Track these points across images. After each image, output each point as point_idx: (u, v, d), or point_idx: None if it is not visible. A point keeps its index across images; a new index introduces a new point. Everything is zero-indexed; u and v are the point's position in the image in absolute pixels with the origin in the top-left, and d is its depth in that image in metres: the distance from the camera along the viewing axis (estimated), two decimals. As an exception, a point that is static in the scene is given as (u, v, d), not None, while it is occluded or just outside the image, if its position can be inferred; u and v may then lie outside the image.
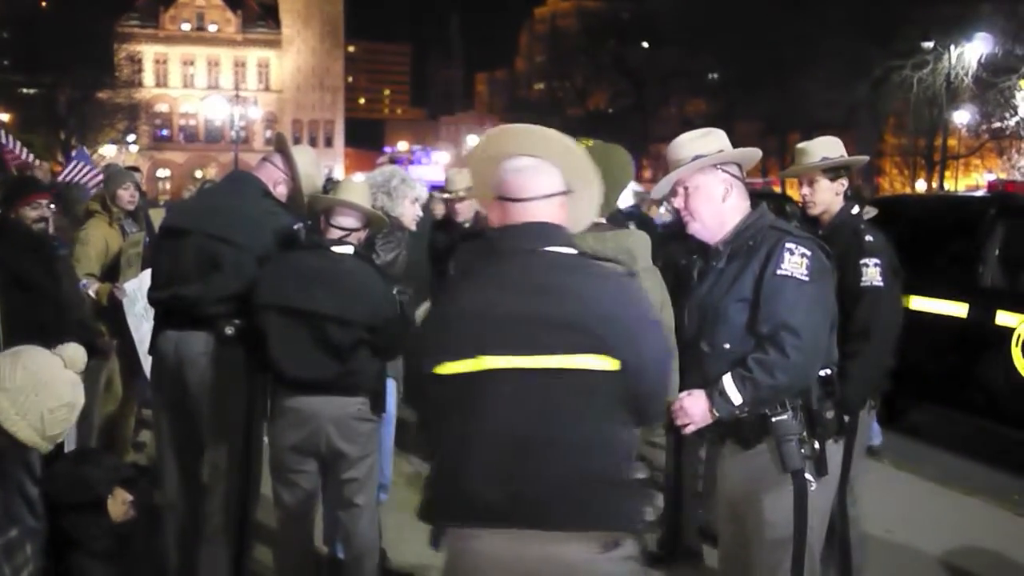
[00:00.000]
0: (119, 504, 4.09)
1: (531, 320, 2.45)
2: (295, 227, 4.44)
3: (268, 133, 71.95)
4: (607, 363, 2.45)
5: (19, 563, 2.68)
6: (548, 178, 2.64)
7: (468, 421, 2.47)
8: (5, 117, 43.61)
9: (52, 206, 5.58)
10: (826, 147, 4.58)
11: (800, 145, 4.70)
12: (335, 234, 4.19)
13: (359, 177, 5.11)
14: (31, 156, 9.25)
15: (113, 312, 6.23)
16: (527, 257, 2.55)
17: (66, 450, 5.01)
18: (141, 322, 6.09)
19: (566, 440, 2.45)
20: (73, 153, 9.73)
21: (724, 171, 3.35)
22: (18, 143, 9.13)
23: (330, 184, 6.68)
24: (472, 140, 77.60)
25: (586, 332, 2.45)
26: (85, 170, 9.39)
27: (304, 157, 4.65)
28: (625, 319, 2.53)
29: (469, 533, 2.50)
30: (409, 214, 5.12)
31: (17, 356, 2.87)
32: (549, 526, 2.43)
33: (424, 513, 2.61)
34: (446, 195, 7.78)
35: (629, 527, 2.53)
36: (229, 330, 4.27)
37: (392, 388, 4.75)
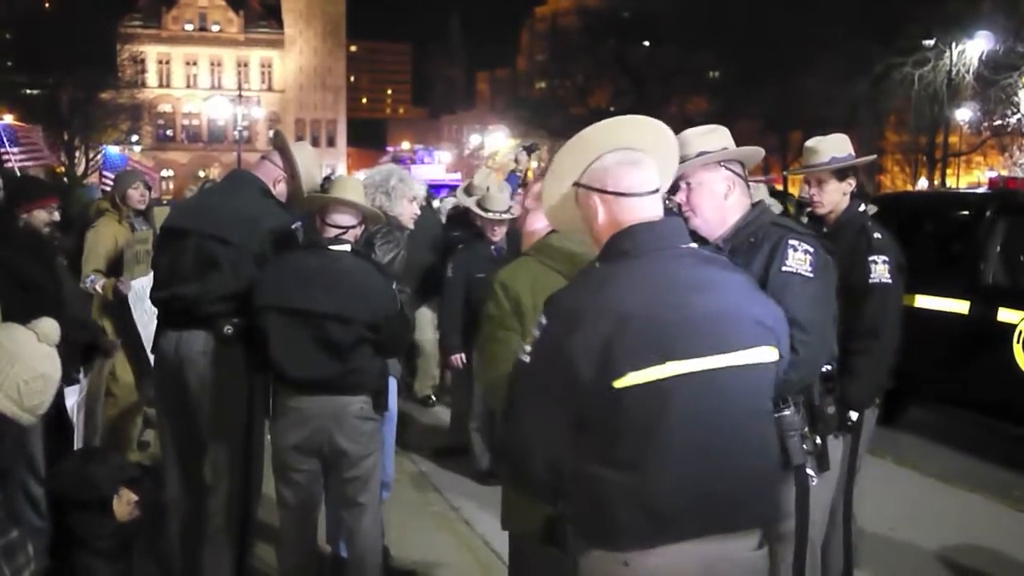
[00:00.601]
0: (124, 504, 4.10)
1: (712, 318, 2.37)
2: (293, 226, 4.45)
3: (271, 133, 71.87)
4: (775, 354, 2.48)
5: (20, 564, 2.69)
6: (655, 173, 2.58)
7: (652, 433, 2.30)
8: (8, 117, 43.57)
9: (60, 210, 5.62)
10: (835, 146, 4.57)
11: (809, 143, 4.67)
12: (331, 232, 4.20)
13: (359, 175, 5.13)
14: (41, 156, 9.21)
15: (118, 308, 6.26)
16: (672, 254, 2.47)
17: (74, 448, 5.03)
18: (150, 320, 6.11)
19: (751, 438, 2.42)
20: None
21: (728, 168, 3.36)
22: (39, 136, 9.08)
23: (327, 183, 6.71)
24: (475, 139, 77.66)
25: (761, 324, 2.44)
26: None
27: (303, 154, 4.66)
28: (775, 308, 2.59)
29: (631, 556, 2.33)
30: (407, 213, 5.14)
31: None
32: (733, 528, 2.38)
33: (603, 540, 2.36)
34: (472, 198, 7.85)
35: (780, 517, 2.57)
36: (228, 329, 4.28)
37: (393, 386, 4.77)
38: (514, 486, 2.52)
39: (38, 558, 2.88)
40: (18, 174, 8.08)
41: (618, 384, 2.26)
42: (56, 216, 5.50)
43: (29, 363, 2.93)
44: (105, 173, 9.55)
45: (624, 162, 2.55)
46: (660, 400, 2.29)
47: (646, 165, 2.57)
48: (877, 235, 4.42)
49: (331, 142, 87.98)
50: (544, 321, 2.36)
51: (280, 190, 4.61)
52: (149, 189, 7.23)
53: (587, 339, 2.27)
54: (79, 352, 5.08)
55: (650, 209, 2.52)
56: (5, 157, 8.35)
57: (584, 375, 2.27)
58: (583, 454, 2.33)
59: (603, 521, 2.33)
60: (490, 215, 6.77)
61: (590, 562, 2.39)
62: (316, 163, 4.78)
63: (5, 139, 8.61)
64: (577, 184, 2.60)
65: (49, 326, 3.04)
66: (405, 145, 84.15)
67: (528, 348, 2.35)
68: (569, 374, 2.28)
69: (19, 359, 2.91)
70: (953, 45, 36.85)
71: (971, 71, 37.47)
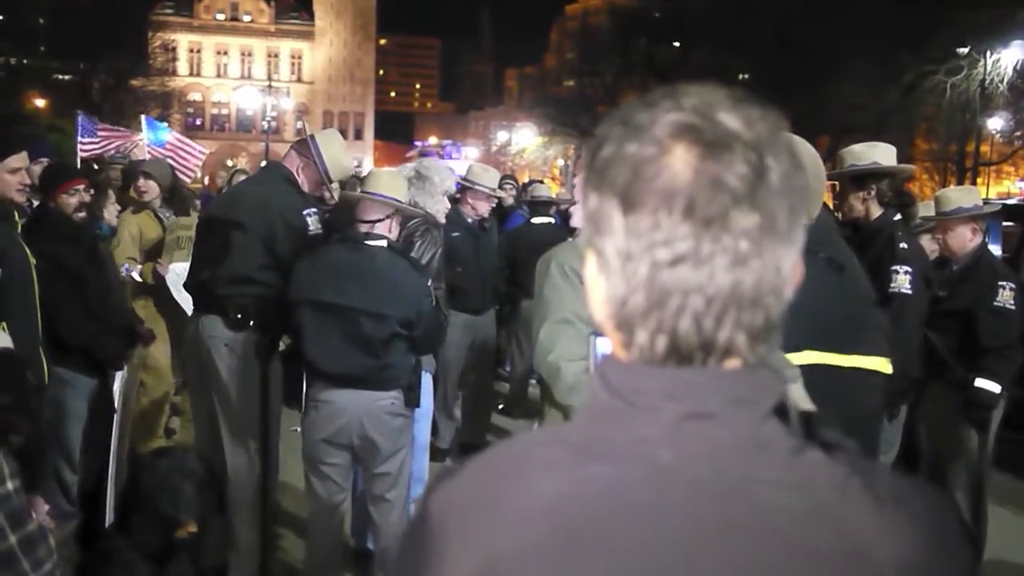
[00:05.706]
0: (187, 529, 4.05)
1: None
2: (304, 212, 4.51)
3: (299, 124, 72.17)
4: None
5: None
6: None
7: None
8: (40, 103, 43.95)
9: (91, 191, 5.59)
10: (852, 155, 4.62)
11: (840, 152, 4.73)
12: (363, 228, 4.22)
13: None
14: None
15: (159, 292, 6.30)
16: None
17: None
18: (186, 306, 6.18)
19: None
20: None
21: None
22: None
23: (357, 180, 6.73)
24: (502, 136, 77.58)
25: None
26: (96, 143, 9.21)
27: (331, 141, 4.74)
28: None
29: None
30: (442, 209, 5.16)
31: None
32: None
33: None
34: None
35: None
36: (238, 313, 4.39)
37: (428, 383, 4.78)
38: None
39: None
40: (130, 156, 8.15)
41: None
42: (86, 197, 5.35)
43: None
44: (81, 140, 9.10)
45: None
46: None
47: None
48: (903, 245, 4.44)
49: (359, 135, 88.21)
50: None
51: (308, 176, 4.68)
52: (155, 180, 6.96)
53: None
54: (128, 338, 5.16)
55: None
56: (85, 147, 8.43)
57: None
58: None
59: None
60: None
61: None
62: (344, 151, 4.85)
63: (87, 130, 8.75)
64: None
65: None
66: (432, 140, 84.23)
67: None
68: None
69: None
70: (987, 54, 36.57)
71: (1004, 80, 37.18)
